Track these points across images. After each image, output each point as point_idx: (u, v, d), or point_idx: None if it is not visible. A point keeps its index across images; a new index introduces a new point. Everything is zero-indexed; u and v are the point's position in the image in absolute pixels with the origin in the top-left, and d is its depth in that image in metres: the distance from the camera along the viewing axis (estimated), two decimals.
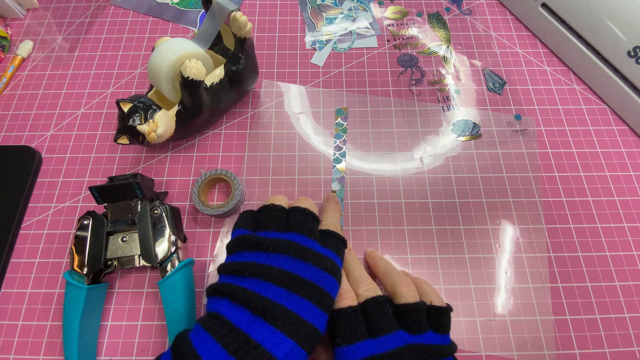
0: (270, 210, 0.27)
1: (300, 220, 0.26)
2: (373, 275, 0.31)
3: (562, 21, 0.41)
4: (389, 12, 0.46)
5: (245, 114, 0.40)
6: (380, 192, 0.36)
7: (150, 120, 0.31)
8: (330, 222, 0.29)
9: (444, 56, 0.43)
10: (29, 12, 0.47)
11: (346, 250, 0.29)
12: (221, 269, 0.25)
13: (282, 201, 0.28)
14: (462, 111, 0.40)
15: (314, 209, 0.28)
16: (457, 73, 0.42)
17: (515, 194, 0.36)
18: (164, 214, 0.31)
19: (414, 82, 0.41)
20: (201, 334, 0.21)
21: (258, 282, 0.23)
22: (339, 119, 0.39)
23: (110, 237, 0.31)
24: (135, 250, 0.31)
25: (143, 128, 0.30)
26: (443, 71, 0.42)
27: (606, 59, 0.38)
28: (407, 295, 0.26)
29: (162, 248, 0.30)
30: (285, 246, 0.24)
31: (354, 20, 0.45)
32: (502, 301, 0.32)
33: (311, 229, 0.26)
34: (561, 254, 0.33)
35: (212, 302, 0.24)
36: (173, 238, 0.30)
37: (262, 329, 0.21)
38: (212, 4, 0.32)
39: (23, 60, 0.43)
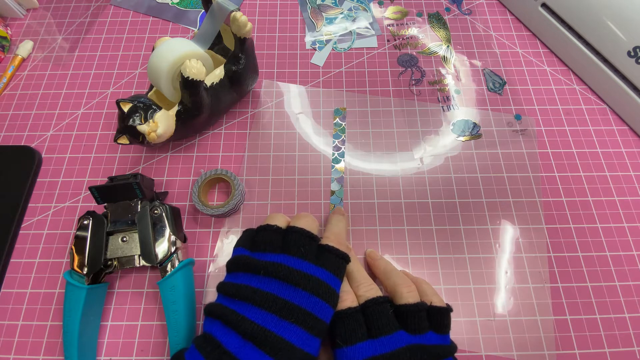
0: (265, 231, 0.27)
1: (295, 241, 0.26)
2: (373, 275, 0.31)
3: (562, 21, 0.41)
4: (389, 12, 0.46)
5: (245, 114, 0.40)
6: (380, 192, 0.36)
7: (150, 120, 0.31)
8: (333, 233, 0.29)
9: (444, 56, 0.43)
10: (29, 12, 0.47)
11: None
12: (219, 288, 0.26)
13: (280, 221, 0.28)
14: (462, 111, 0.40)
15: (313, 226, 0.27)
16: (457, 73, 0.42)
17: (515, 194, 0.36)
18: (164, 214, 0.31)
19: (414, 82, 0.41)
20: (195, 356, 0.22)
21: (248, 307, 0.23)
22: (337, 119, 0.39)
23: (110, 237, 0.31)
24: (135, 250, 0.31)
25: (143, 128, 0.30)
26: (443, 71, 0.42)
27: (606, 59, 0.38)
28: (407, 296, 0.26)
29: (162, 248, 0.30)
30: (276, 269, 0.24)
31: (354, 20, 0.45)
32: (502, 301, 0.32)
33: (306, 251, 0.25)
34: (561, 254, 0.33)
35: (207, 323, 0.24)
36: (173, 238, 0.30)
37: (252, 354, 0.21)
38: (212, 4, 0.32)
39: (23, 60, 0.43)
